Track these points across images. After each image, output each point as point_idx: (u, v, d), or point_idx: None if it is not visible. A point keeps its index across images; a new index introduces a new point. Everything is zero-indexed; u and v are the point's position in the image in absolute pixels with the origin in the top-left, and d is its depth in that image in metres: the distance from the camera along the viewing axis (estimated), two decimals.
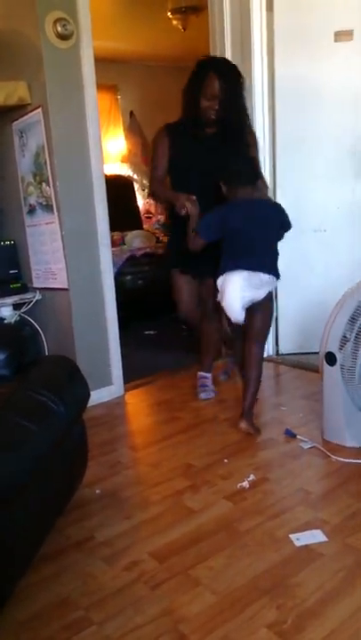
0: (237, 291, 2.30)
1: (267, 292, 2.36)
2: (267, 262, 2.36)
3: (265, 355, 3.39)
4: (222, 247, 2.37)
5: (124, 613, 1.42)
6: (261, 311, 2.40)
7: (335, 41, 3.03)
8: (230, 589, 1.47)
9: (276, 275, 2.37)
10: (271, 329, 3.36)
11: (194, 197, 2.44)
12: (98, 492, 2.03)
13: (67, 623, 1.41)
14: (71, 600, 1.49)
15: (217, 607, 1.41)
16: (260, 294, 2.34)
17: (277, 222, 2.43)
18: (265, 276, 2.33)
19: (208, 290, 2.63)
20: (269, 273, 2.34)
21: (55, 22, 2.50)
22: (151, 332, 4.35)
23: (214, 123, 2.54)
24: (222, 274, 2.34)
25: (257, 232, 2.36)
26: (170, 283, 2.80)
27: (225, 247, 2.36)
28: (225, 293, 2.32)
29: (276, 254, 2.41)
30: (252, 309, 2.36)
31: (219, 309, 2.61)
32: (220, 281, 2.35)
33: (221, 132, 2.58)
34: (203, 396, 2.84)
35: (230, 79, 2.50)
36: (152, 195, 2.81)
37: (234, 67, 2.57)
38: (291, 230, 2.50)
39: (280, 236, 2.46)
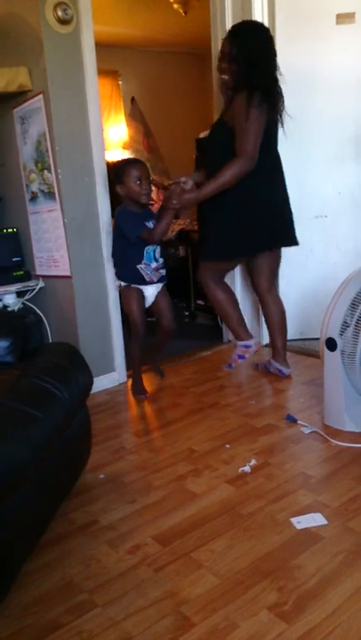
0: None
1: None
2: None
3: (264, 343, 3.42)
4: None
5: (128, 596, 1.44)
6: None
7: (337, 24, 3.00)
8: (232, 572, 1.49)
9: None
10: None
11: None
12: (101, 476, 2.06)
13: (71, 606, 1.43)
14: (75, 583, 1.51)
15: (219, 589, 1.44)
16: None
17: None
18: None
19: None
20: None
21: (55, 7, 2.48)
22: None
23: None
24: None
25: None
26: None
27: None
28: None
29: None
30: None
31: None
32: None
33: None
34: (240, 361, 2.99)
35: None
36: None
37: None
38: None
39: None
